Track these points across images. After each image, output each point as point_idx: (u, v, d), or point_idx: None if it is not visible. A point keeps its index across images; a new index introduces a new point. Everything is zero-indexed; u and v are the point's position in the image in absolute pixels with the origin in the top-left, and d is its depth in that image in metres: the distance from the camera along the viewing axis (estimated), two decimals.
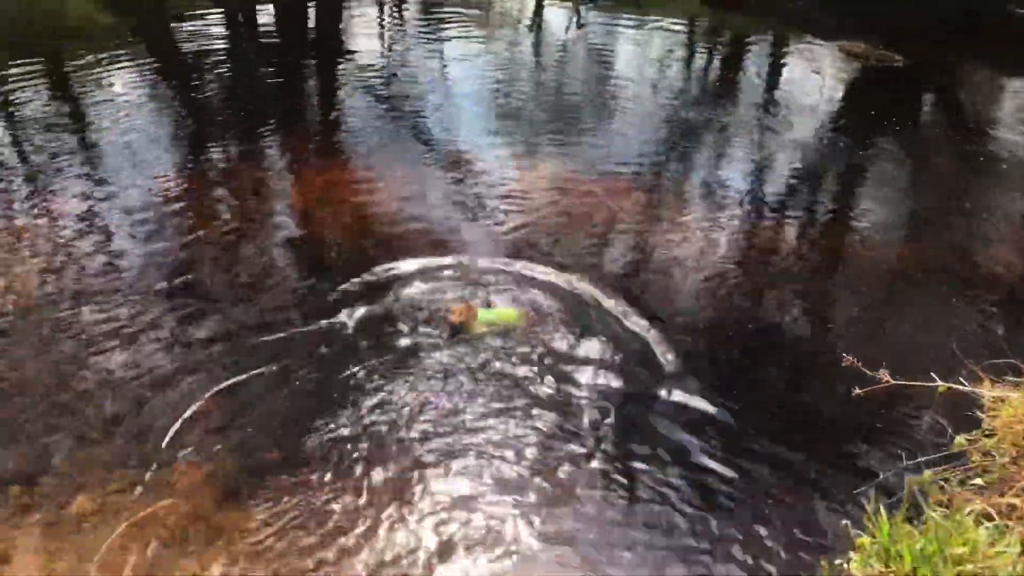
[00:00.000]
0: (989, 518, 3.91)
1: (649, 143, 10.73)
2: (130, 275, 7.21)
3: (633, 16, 17.44)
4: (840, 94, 13.73)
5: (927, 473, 3.96)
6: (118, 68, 12.37)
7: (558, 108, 11.97)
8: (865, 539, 3.95)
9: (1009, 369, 4.95)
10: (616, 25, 16.83)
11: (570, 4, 18.43)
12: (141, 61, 12.93)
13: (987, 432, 4.77)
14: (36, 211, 8.13)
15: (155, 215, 8.17)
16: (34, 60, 12.39)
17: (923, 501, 3.86)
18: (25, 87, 11.33)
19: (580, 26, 16.96)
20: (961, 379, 4.97)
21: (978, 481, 4.38)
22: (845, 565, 3.84)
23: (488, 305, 6.74)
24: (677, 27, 17.28)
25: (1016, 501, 4.36)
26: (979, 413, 4.88)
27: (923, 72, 14.73)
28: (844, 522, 4.00)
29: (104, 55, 12.76)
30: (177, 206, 8.40)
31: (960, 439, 4.62)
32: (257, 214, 8.49)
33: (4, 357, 6.09)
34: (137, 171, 9.02)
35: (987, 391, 4.76)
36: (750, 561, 4.65)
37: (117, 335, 6.33)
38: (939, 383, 4.80)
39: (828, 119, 12.31)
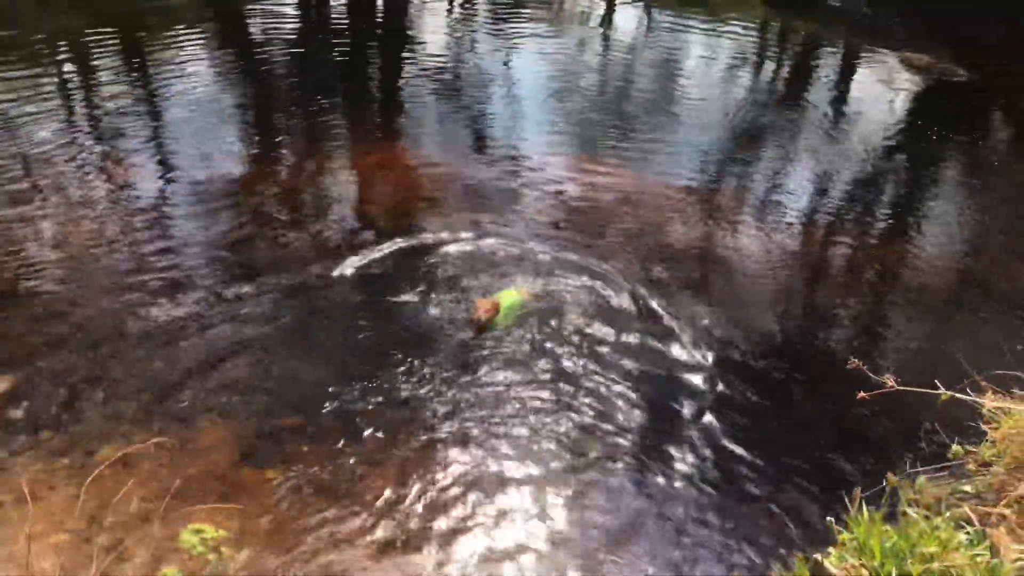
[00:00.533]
0: (972, 524, 3.95)
1: (708, 150, 10.79)
2: (186, 233, 7.73)
3: (701, 17, 17.50)
4: (900, 106, 13.55)
5: (921, 479, 3.99)
6: (192, 45, 12.92)
7: (619, 111, 12.09)
8: (846, 535, 4.02)
9: (1014, 381, 4.94)
10: (684, 28, 16.88)
11: (641, 4, 18.56)
12: (214, 41, 13.49)
13: (987, 443, 4.78)
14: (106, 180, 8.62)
15: (218, 188, 8.58)
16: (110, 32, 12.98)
17: (905, 502, 3.91)
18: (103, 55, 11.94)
19: (649, 27, 17.07)
20: (968, 390, 4.97)
21: (969, 489, 4.39)
22: (822, 559, 3.92)
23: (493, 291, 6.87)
24: (743, 30, 17.24)
25: (1007, 512, 4.38)
26: (982, 425, 4.89)
27: (986, 87, 14.42)
28: (829, 519, 4.05)
29: (180, 32, 13.34)
30: (240, 179, 8.82)
31: (957, 447, 4.65)
32: (315, 188, 8.85)
33: (56, 309, 6.52)
34: (205, 145, 9.45)
35: (988, 401, 4.77)
36: (741, 551, 4.77)
37: (166, 293, 6.74)
38: (942, 391, 4.81)
39: (884, 130, 12.17)
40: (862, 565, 3.78)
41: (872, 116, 12.66)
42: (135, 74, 11.50)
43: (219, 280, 7.05)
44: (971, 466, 4.58)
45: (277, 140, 9.93)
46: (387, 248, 7.68)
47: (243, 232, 7.80)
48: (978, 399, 4.88)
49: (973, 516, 3.92)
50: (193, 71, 11.70)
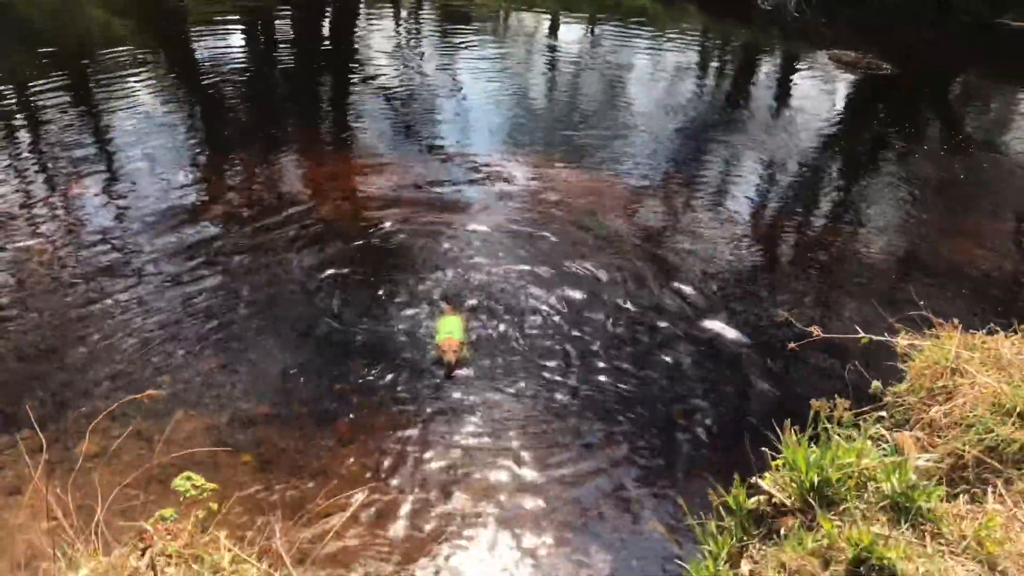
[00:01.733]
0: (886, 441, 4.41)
1: (652, 147, 11.32)
2: (147, 232, 8.07)
3: (644, 28, 18.21)
4: (830, 96, 14.31)
5: (841, 404, 4.37)
6: (140, 74, 13.18)
7: (566, 115, 12.62)
8: (779, 460, 4.44)
9: (922, 320, 5.44)
10: (628, 38, 17.56)
11: (585, 18, 19.22)
12: (162, 67, 13.75)
13: (902, 378, 5.27)
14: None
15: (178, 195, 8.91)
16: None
17: (830, 428, 4.32)
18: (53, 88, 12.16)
19: (594, 38, 17.70)
20: (886, 334, 5.47)
21: (885, 415, 4.86)
22: (757, 480, 4.34)
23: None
24: (684, 38, 18.02)
25: (920, 434, 4.87)
26: (899, 364, 5.37)
27: (909, 78, 15.28)
28: (763, 449, 4.45)
29: (126, 60, 13.59)
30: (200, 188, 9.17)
31: (876, 384, 5.11)
32: (269, 194, 9.20)
33: (26, 319, 6.77)
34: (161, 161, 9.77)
35: (902, 340, 5.26)
36: (687, 477, 5.24)
37: (134, 298, 7.01)
38: (862, 335, 5.30)
39: (815, 120, 12.88)
40: (791, 479, 4.22)
41: (804, 107, 13.37)
42: (84, 105, 11.70)
43: (183, 280, 7.33)
44: (889, 398, 5.04)
45: (230, 155, 10.21)
46: (342, 245, 8.04)
47: (205, 237, 8.08)
48: (893, 340, 5.38)
49: (887, 435, 4.37)
50: (142, 96, 11.95)
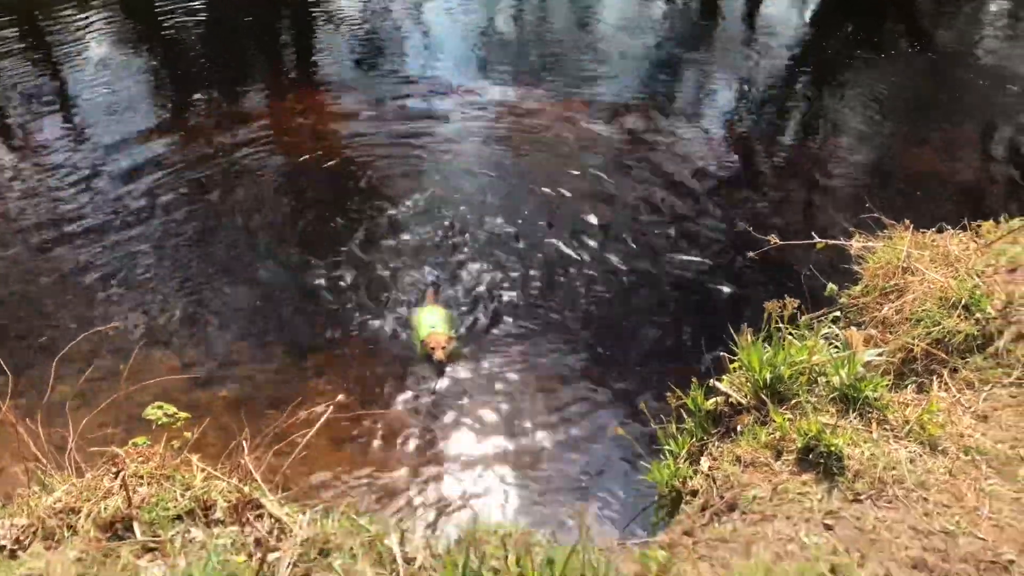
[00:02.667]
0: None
1: (616, 67, 11.21)
2: (112, 172, 8.10)
3: None
4: (796, 10, 14.23)
5: (791, 304, 4.48)
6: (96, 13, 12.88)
7: (537, 47, 12.42)
8: (736, 362, 4.59)
9: (876, 224, 5.56)
10: None
11: None
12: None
13: (858, 280, 5.40)
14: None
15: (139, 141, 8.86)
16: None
17: (783, 329, 4.45)
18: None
19: None
20: (841, 238, 5.58)
21: (839, 315, 5.00)
22: (714, 382, 4.50)
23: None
24: None
25: (873, 331, 5.03)
26: (854, 266, 5.51)
27: None
28: (722, 354, 4.59)
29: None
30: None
31: (832, 286, 5.23)
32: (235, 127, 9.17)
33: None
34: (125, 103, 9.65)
35: (856, 243, 5.38)
36: (650, 384, 5.43)
37: (102, 240, 7.01)
38: (817, 240, 5.41)
39: (781, 33, 12.82)
40: (746, 379, 4.38)
41: (771, 22, 13.26)
42: (42, 48, 11.46)
43: (150, 217, 7.35)
44: (844, 299, 5.18)
45: (192, 92, 10.09)
46: (311, 174, 8.06)
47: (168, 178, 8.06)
48: (848, 243, 5.50)
49: (840, 334, 4.50)
50: (99, 36, 11.72)
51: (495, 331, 6.12)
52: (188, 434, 3.81)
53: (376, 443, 5.15)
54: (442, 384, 5.63)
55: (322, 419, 3.32)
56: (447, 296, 6.47)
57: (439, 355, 5.71)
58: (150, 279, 6.64)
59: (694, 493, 4.01)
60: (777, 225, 6.90)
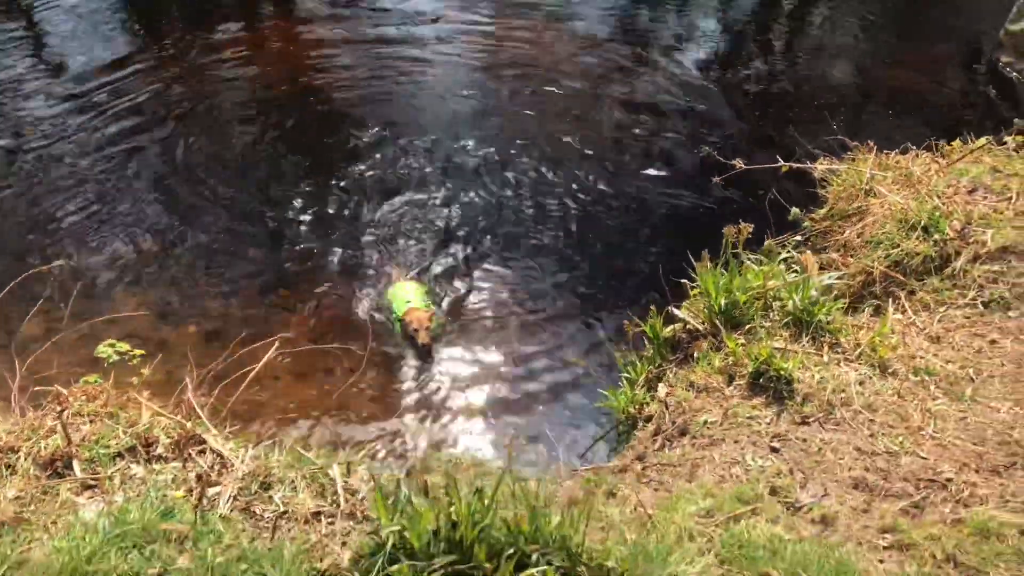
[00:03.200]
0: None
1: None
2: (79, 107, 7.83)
3: None
4: None
5: (746, 230, 4.40)
6: None
7: None
8: (696, 289, 4.56)
9: (840, 146, 5.49)
10: None
11: None
12: None
13: (824, 203, 5.36)
14: None
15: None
16: None
17: (742, 255, 4.40)
18: None
19: None
20: (808, 160, 5.51)
21: (800, 239, 4.96)
22: (673, 309, 4.48)
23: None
24: None
25: (835, 255, 5.01)
26: (819, 190, 5.46)
27: None
28: (683, 281, 4.55)
29: None
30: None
31: (795, 210, 5.21)
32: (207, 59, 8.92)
33: None
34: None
35: (820, 166, 5.32)
36: (612, 313, 5.43)
37: (69, 171, 6.92)
38: (782, 163, 5.34)
39: None
40: (704, 305, 4.37)
41: None
42: None
43: (118, 149, 7.22)
44: (807, 224, 5.15)
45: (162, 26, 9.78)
46: (284, 106, 7.94)
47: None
48: (812, 166, 5.44)
49: (800, 258, 4.46)
50: None
51: (462, 257, 6.07)
52: (145, 371, 3.79)
53: (342, 379, 5.13)
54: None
55: (267, 356, 3.30)
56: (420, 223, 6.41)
57: (423, 338, 5.08)
58: (117, 212, 6.51)
59: (649, 419, 4.04)
60: (750, 149, 6.79)
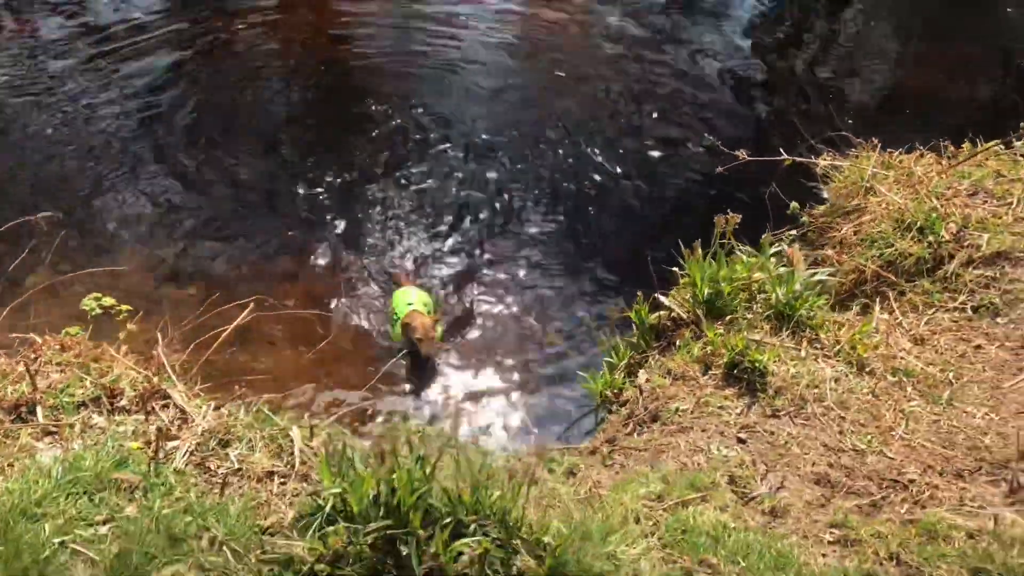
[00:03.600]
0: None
1: None
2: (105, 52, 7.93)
3: None
4: None
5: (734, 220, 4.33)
6: None
7: None
8: (685, 278, 4.53)
9: (841, 141, 5.41)
10: None
11: None
12: None
13: (822, 198, 5.30)
14: None
15: None
16: None
17: (736, 246, 4.37)
18: None
19: None
20: (813, 155, 5.45)
21: (795, 233, 4.92)
22: (659, 296, 4.46)
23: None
24: None
25: (829, 252, 4.95)
26: (821, 185, 5.39)
27: None
28: (674, 269, 4.52)
29: None
30: None
31: (794, 204, 5.13)
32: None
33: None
34: None
35: (823, 161, 5.26)
36: (600, 299, 5.45)
37: (87, 119, 6.99)
38: (785, 157, 5.28)
39: None
40: (689, 293, 4.35)
41: None
42: None
43: (139, 102, 7.29)
44: (805, 218, 5.09)
45: None
46: (310, 69, 7.98)
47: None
48: (815, 161, 5.38)
49: (787, 252, 4.42)
50: None
51: (471, 235, 6.11)
52: (132, 327, 3.83)
53: (330, 346, 5.16)
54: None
55: (241, 317, 3.34)
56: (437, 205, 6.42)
57: (426, 349, 4.67)
58: (131, 171, 6.54)
59: (624, 404, 4.03)
60: (759, 142, 6.65)
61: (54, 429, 2.80)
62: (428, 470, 2.32)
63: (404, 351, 4.91)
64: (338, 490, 2.32)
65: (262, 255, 6.00)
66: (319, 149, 6.93)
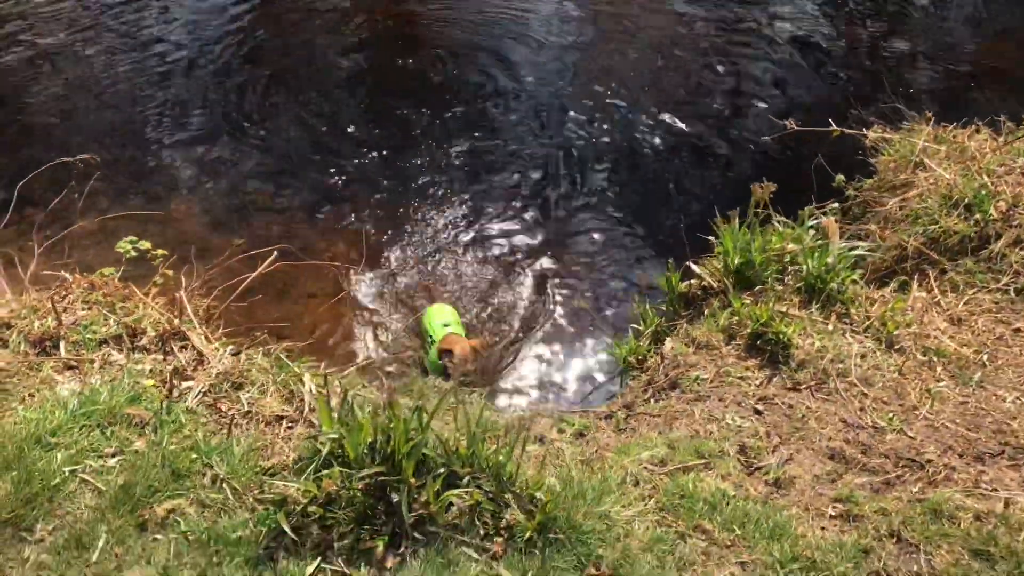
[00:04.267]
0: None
1: None
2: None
3: None
4: None
5: (768, 188, 4.22)
6: None
7: None
8: (719, 246, 4.44)
9: (892, 112, 5.22)
10: None
11: None
12: None
13: (871, 171, 5.13)
14: None
15: None
16: None
17: (771, 215, 4.26)
18: None
19: None
20: (858, 126, 5.26)
21: (836, 206, 4.75)
22: (691, 264, 4.39)
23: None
24: None
25: (872, 227, 4.81)
26: (869, 157, 5.22)
27: None
28: (710, 238, 4.43)
29: None
30: None
31: (840, 177, 4.99)
32: None
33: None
34: None
35: (872, 133, 5.08)
36: (638, 265, 5.39)
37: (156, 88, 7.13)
38: (834, 128, 5.12)
39: None
40: (722, 263, 4.27)
41: None
42: None
43: (208, 64, 7.43)
44: (850, 192, 4.94)
45: None
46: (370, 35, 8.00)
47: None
48: (865, 133, 5.20)
49: (823, 223, 4.29)
50: None
51: (532, 196, 6.16)
52: (168, 272, 3.92)
53: (369, 298, 5.23)
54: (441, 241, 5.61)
55: (263, 267, 3.39)
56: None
57: (467, 366, 4.21)
58: (188, 122, 6.71)
59: (647, 370, 4.00)
60: (816, 113, 6.45)
61: (75, 364, 2.89)
62: (425, 420, 2.33)
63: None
64: (335, 435, 2.35)
65: (310, 211, 6.08)
66: (376, 103, 6.98)
